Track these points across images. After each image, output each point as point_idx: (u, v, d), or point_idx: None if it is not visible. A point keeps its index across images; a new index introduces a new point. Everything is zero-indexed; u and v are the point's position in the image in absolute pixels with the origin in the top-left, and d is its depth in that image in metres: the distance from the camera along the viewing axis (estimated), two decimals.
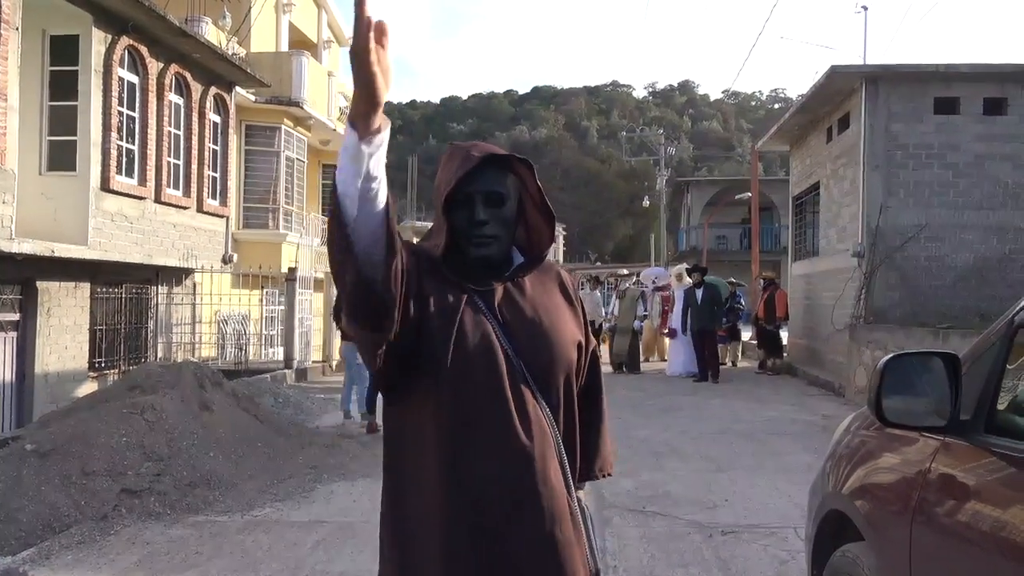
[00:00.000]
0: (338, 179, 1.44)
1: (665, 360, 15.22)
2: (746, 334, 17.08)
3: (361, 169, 1.42)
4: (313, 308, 15.07)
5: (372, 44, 1.34)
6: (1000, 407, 1.90)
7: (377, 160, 1.44)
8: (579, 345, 1.84)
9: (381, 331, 1.55)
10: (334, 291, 10.82)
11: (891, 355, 2.06)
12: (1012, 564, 1.57)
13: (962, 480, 1.86)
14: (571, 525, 1.70)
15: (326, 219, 1.43)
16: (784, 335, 15.19)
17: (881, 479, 2.27)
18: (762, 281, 14.89)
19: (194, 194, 13.21)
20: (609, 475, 1.99)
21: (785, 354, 15.02)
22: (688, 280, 14.06)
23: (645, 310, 15.29)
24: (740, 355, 16.34)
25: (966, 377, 1.92)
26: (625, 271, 18.28)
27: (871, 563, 2.15)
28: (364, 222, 1.44)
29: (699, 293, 13.16)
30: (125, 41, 11.22)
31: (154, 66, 11.99)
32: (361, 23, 1.33)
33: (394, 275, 1.49)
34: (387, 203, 1.46)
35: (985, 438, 1.82)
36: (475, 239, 1.72)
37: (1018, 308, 1.89)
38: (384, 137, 1.44)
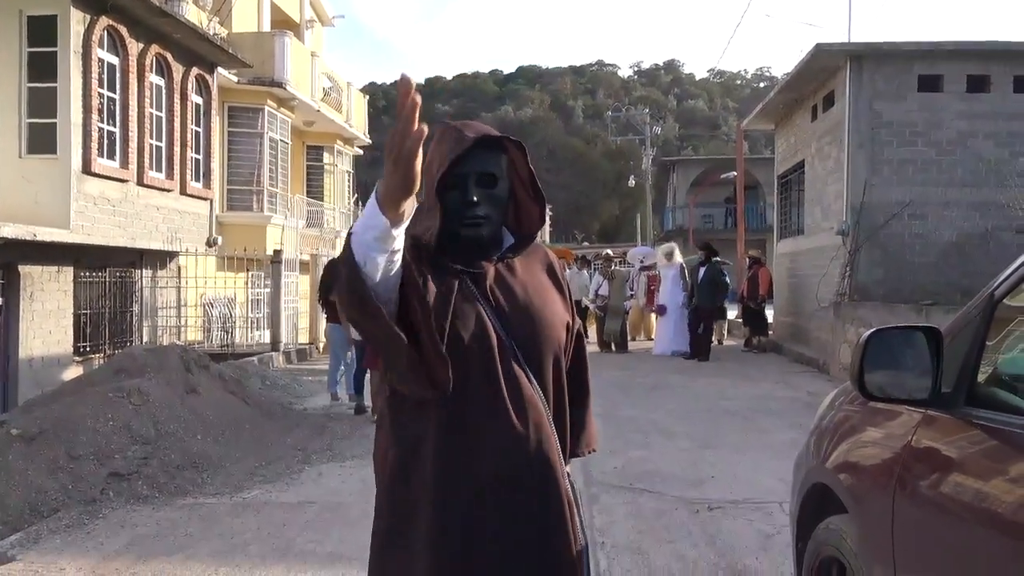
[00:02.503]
0: (357, 250, 1.44)
1: (652, 339, 15.29)
2: (732, 312, 17.16)
3: (388, 247, 1.43)
4: (299, 290, 15.01)
5: (421, 130, 1.34)
6: (980, 380, 1.92)
7: (402, 236, 1.45)
8: (567, 325, 1.86)
9: (437, 387, 1.60)
10: (320, 273, 10.81)
11: (873, 330, 2.08)
12: (991, 533, 1.59)
13: (943, 452, 1.88)
14: (565, 500, 1.73)
15: (339, 290, 1.50)
16: (769, 313, 15.28)
17: (864, 452, 2.30)
18: (748, 259, 14.94)
19: (177, 176, 13.10)
20: (594, 451, 2.03)
21: (770, 332, 15.12)
22: (678, 259, 14.12)
23: (631, 290, 15.33)
24: (726, 333, 16.42)
25: (947, 351, 1.94)
26: (610, 251, 18.25)
27: (854, 535, 2.18)
28: (384, 283, 1.47)
29: (701, 271, 13.29)
30: (104, 21, 11.08)
31: (134, 47, 11.85)
32: (406, 109, 1.32)
33: (421, 312, 1.52)
34: (404, 255, 1.48)
35: (966, 410, 1.84)
36: (467, 219, 1.73)
37: (997, 282, 1.91)
38: (411, 214, 1.45)
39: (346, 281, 1.47)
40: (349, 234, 1.46)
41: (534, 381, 1.73)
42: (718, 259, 13.69)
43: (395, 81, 1.34)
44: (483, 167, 1.73)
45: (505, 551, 1.66)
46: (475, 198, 1.71)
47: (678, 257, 14.29)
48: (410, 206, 1.43)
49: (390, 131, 1.36)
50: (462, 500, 1.66)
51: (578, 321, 1.99)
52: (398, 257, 1.47)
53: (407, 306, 1.51)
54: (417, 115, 1.33)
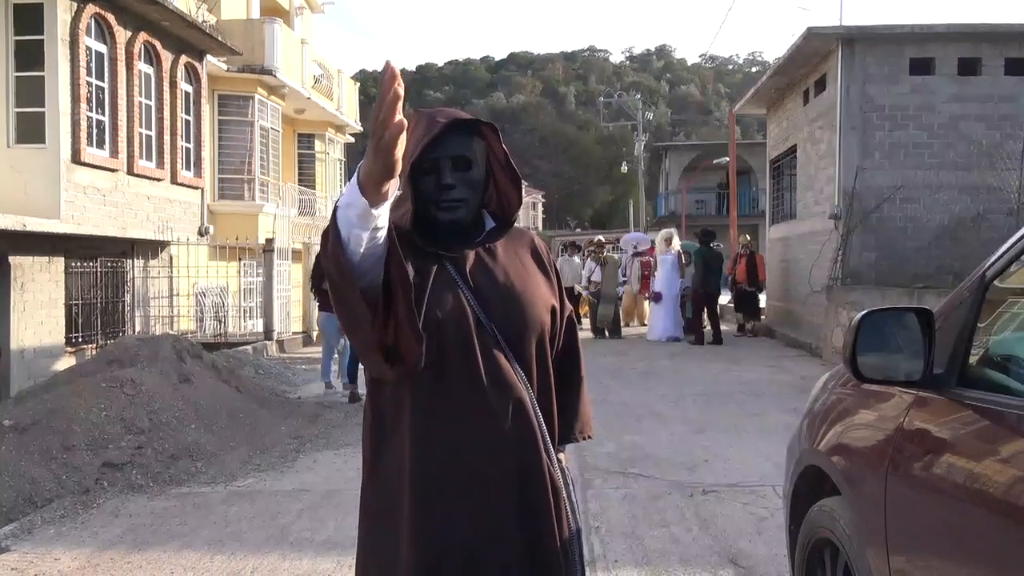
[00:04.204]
0: (342, 224, 1.44)
1: (645, 325, 15.30)
2: (724, 297, 17.14)
3: (370, 226, 1.43)
4: (292, 279, 14.98)
5: (401, 122, 1.34)
6: (972, 361, 1.92)
7: (384, 215, 1.44)
8: (553, 309, 1.86)
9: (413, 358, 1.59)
10: (312, 261, 10.77)
11: (866, 311, 2.08)
12: (983, 513, 1.60)
13: (936, 433, 1.89)
14: (547, 485, 1.72)
15: (322, 257, 1.57)
16: (762, 298, 15.30)
17: (857, 434, 2.31)
18: (748, 247, 14.75)
19: (167, 165, 13.03)
20: (590, 437, 2.02)
21: (762, 316, 15.15)
22: (677, 245, 14.12)
23: (624, 276, 15.34)
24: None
25: (939, 332, 1.95)
26: (602, 237, 18.24)
27: (847, 516, 2.19)
28: (367, 257, 1.47)
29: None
30: (91, 9, 10.98)
31: (122, 35, 11.75)
32: (388, 100, 1.32)
33: (402, 289, 1.51)
34: (389, 232, 1.48)
35: (958, 391, 1.85)
36: (443, 203, 1.73)
37: (989, 263, 1.91)
38: (393, 194, 1.45)
39: (330, 252, 1.49)
40: (336, 207, 1.48)
41: (515, 364, 1.73)
42: (715, 244, 13.72)
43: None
44: (456, 151, 1.74)
45: (481, 534, 1.66)
46: (450, 181, 1.72)
47: (677, 244, 14.27)
48: (392, 187, 1.44)
49: (372, 115, 1.36)
50: (438, 481, 1.66)
51: (569, 306, 1.99)
52: (382, 233, 1.47)
53: (388, 280, 1.51)
54: (399, 106, 1.33)
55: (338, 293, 1.53)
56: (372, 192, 1.41)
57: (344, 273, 1.47)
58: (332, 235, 1.46)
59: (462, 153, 1.74)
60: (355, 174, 1.45)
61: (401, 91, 1.32)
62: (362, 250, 1.46)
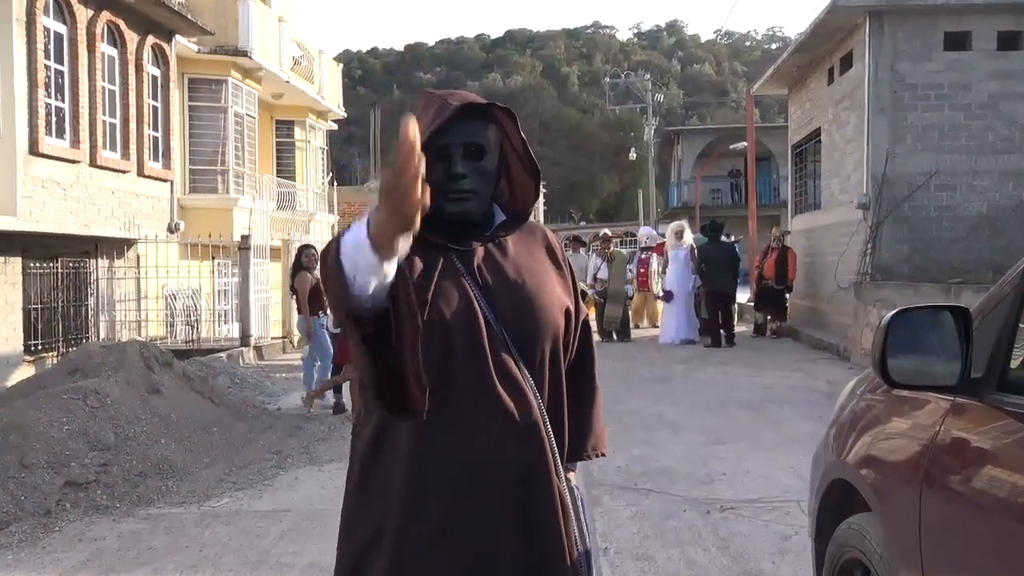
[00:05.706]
0: (347, 266, 1.42)
1: (657, 327, 15.29)
2: (743, 295, 17.11)
3: (380, 276, 1.41)
4: (271, 279, 14.96)
5: (419, 170, 1.30)
6: (1013, 364, 1.92)
7: (395, 264, 1.42)
8: (567, 312, 1.84)
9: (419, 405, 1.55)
10: (292, 258, 10.73)
11: (897, 310, 2.08)
12: None
13: (974, 443, 1.88)
14: (556, 500, 1.71)
15: (325, 288, 1.52)
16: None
17: (888, 445, 2.30)
18: (780, 240, 14.54)
19: (133, 156, 13.02)
20: (603, 455, 2.00)
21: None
22: (689, 239, 14.09)
23: (632, 272, 15.32)
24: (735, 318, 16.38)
25: (977, 332, 1.94)
26: (608, 231, 18.23)
27: (878, 535, 2.19)
28: (376, 296, 1.44)
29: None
30: None
31: (83, 14, 11.74)
32: (406, 144, 1.29)
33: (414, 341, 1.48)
34: (398, 271, 1.44)
35: (998, 397, 1.84)
36: (452, 194, 1.72)
37: None
38: (406, 249, 1.42)
39: (334, 295, 1.46)
40: (338, 244, 1.44)
41: (525, 371, 1.71)
42: (727, 236, 13.71)
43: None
44: (469, 137, 1.73)
45: (482, 554, 1.66)
46: (461, 170, 1.71)
47: (689, 237, 14.22)
48: (406, 240, 1.40)
49: (384, 169, 1.33)
50: (435, 485, 1.65)
51: (584, 309, 1.97)
52: (388, 280, 1.44)
53: (397, 317, 1.47)
54: (416, 157, 1.30)
55: (350, 337, 1.52)
56: (385, 247, 1.37)
57: (352, 317, 1.45)
58: (336, 276, 1.42)
59: (475, 140, 1.73)
60: (364, 222, 1.40)
61: (416, 142, 1.29)
62: (370, 291, 1.42)
